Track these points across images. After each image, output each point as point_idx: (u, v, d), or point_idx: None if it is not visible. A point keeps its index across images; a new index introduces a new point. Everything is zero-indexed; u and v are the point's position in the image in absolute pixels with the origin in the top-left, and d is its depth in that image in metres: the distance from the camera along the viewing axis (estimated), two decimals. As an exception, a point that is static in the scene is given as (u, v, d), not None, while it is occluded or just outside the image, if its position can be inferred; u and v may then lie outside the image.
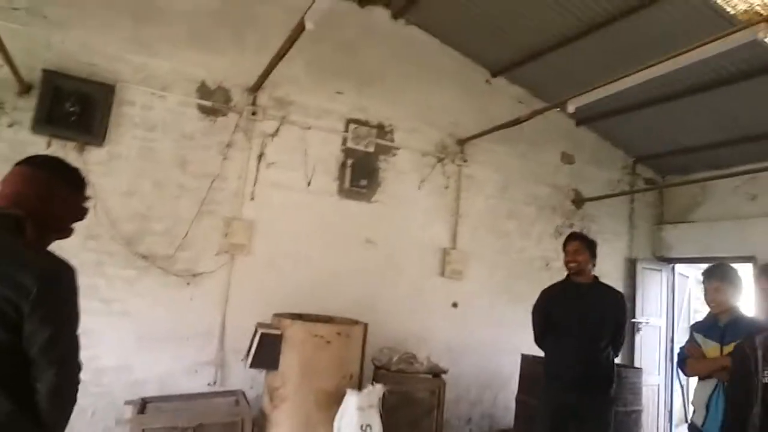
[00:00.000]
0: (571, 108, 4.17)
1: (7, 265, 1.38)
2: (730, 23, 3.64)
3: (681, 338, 6.79)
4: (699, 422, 2.99)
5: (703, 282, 3.11)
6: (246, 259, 4.39)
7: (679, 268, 6.86)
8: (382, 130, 5.15)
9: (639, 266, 6.55)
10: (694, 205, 6.50)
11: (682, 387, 4.98)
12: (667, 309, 6.74)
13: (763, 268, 3.42)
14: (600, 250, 3.67)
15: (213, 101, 4.34)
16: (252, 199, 4.44)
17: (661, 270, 6.70)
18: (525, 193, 5.97)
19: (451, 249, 5.44)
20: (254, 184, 4.46)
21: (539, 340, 3.66)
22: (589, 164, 6.43)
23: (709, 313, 3.12)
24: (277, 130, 4.59)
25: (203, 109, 4.32)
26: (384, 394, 3.79)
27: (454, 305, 5.42)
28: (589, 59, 4.99)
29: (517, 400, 4.62)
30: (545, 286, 3.77)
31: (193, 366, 4.22)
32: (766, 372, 2.40)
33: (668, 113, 5.62)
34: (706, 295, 3.07)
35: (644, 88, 4.34)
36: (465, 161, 5.58)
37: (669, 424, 6.47)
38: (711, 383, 2.96)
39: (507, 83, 5.90)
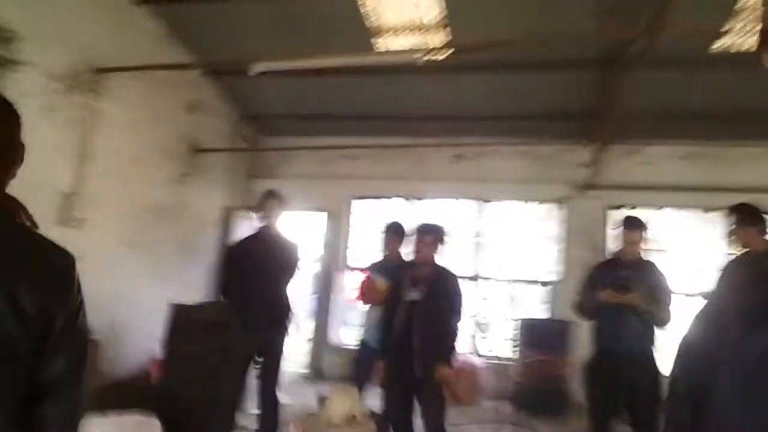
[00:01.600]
0: (253, 72, 4.38)
1: (24, 262, 0.97)
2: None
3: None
4: (365, 337, 4.06)
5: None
6: None
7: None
8: (3, 34, 3.85)
9: (235, 214, 7.32)
10: (279, 164, 7.72)
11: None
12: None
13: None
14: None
15: None
16: None
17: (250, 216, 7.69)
18: (153, 138, 5.68)
19: (74, 193, 4.67)
20: None
21: (226, 288, 3.94)
22: (209, 115, 6.63)
23: (386, 257, 4.18)
24: None
25: None
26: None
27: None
28: (251, 20, 5.22)
29: (169, 349, 4.61)
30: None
31: None
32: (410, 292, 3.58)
33: (281, 81, 6.37)
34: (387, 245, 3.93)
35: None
36: (97, 94, 4.82)
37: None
38: (378, 308, 4.03)
39: (150, 14, 5.35)
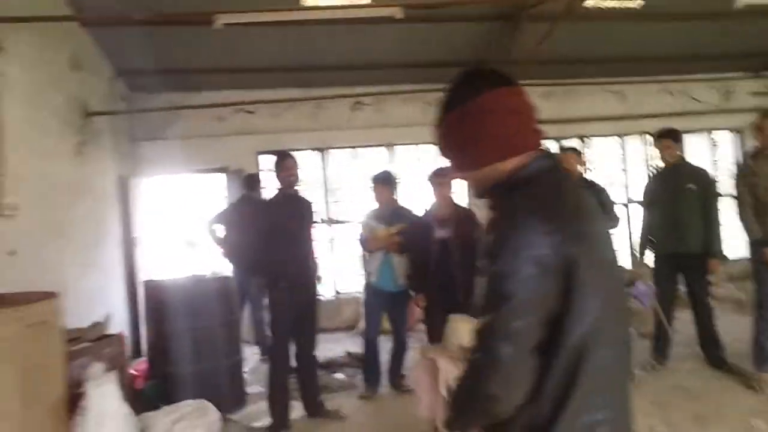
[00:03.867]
0: (218, 24, 4.06)
1: None
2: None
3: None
4: (374, 280, 4.39)
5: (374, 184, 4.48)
6: None
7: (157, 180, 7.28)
8: None
9: (129, 182, 6.57)
10: (167, 124, 7.02)
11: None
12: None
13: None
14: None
15: None
16: None
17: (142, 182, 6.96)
18: (49, 101, 4.80)
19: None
20: None
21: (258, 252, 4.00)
22: (90, 74, 5.71)
23: (378, 207, 4.48)
24: None
25: None
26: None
27: (11, 253, 3.98)
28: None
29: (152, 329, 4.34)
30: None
31: None
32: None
33: (161, 32, 5.71)
34: (378, 195, 4.47)
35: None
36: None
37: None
38: (380, 254, 4.39)
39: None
